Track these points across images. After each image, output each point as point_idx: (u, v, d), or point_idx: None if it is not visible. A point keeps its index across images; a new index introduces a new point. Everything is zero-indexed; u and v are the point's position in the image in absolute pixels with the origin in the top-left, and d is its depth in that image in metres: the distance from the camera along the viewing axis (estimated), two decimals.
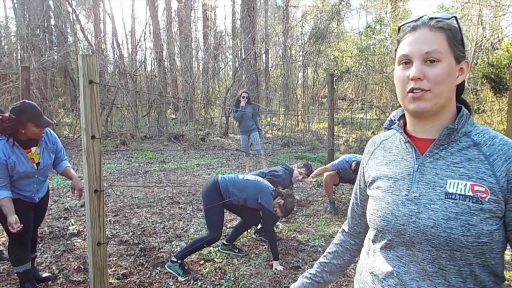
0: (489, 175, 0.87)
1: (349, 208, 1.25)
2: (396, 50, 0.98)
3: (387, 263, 0.97)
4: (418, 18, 0.95)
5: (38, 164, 2.71)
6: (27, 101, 2.64)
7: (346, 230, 1.25)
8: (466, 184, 0.87)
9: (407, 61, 0.93)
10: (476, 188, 0.86)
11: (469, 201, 0.86)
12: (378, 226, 0.99)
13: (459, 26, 0.94)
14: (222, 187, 3.30)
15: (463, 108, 0.96)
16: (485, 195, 0.86)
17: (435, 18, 0.93)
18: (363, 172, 1.14)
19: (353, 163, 4.58)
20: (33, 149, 2.67)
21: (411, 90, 0.91)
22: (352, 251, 1.23)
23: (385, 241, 0.98)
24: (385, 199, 0.99)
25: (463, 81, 0.98)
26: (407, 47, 0.93)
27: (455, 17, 0.95)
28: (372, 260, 1.03)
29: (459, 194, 0.87)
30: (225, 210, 3.46)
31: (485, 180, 0.87)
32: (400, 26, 1.00)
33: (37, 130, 2.57)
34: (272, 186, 3.45)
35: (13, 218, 2.49)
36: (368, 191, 1.09)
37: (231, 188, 3.30)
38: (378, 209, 1.00)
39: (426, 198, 0.91)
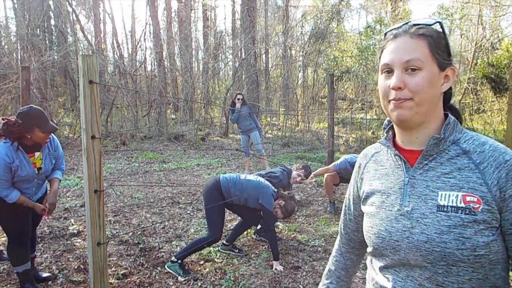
0: (480, 184, 0.84)
1: (341, 223, 1.21)
2: (379, 58, 0.96)
3: (385, 279, 0.96)
4: (401, 25, 0.93)
5: (39, 169, 2.72)
6: (33, 106, 2.64)
7: (342, 250, 1.21)
8: (457, 195, 0.84)
9: (389, 70, 0.91)
10: (468, 198, 0.83)
11: (461, 213, 0.83)
12: (374, 243, 0.97)
13: (443, 31, 0.91)
14: (224, 187, 3.30)
15: (449, 115, 0.93)
16: (477, 205, 0.82)
17: (417, 24, 0.90)
18: (357, 187, 1.11)
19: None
20: (36, 154, 2.69)
21: (393, 100, 0.89)
22: (353, 267, 1.20)
23: (382, 257, 0.96)
24: (379, 215, 0.97)
25: (450, 88, 0.95)
26: (388, 56, 0.91)
27: (440, 23, 0.92)
28: (373, 273, 1.02)
29: (451, 206, 0.84)
30: (225, 210, 3.46)
31: (476, 189, 0.83)
32: (385, 33, 0.97)
33: (42, 135, 2.57)
34: (273, 187, 3.46)
35: (40, 205, 2.73)
36: (363, 207, 1.06)
37: (233, 188, 3.30)
38: (373, 226, 0.97)
39: (418, 212, 0.89)
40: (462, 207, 0.84)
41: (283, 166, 4.44)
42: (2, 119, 2.54)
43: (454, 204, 0.84)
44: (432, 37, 0.89)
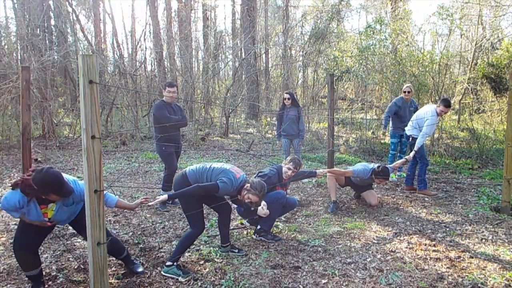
0: None
1: None
2: None
3: None
4: None
5: (49, 217, 2.75)
6: (50, 170, 2.53)
7: None
8: None
9: None
10: None
11: None
12: None
13: None
14: (192, 180, 3.28)
15: None
16: None
17: None
18: None
19: (376, 167, 4.69)
20: (50, 204, 2.71)
21: None
22: None
23: None
24: None
25: None
26: None
27: None
28: None
29: None
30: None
31: None
32: None
33: (58, 198, 2.61)
34: (242, 173, 3.42)
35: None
36: None
37: (200, 179, 3.29)
38: None
39: None
40: None
41: (274, 165, 4.46)
42: (21, 177, 2.57)
43: None
44: None
